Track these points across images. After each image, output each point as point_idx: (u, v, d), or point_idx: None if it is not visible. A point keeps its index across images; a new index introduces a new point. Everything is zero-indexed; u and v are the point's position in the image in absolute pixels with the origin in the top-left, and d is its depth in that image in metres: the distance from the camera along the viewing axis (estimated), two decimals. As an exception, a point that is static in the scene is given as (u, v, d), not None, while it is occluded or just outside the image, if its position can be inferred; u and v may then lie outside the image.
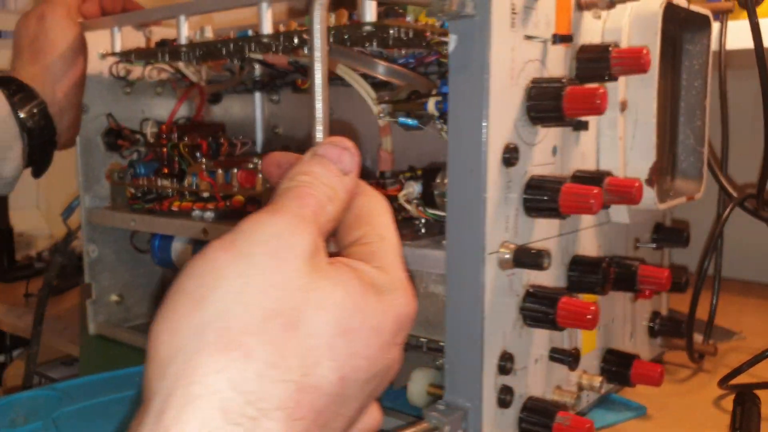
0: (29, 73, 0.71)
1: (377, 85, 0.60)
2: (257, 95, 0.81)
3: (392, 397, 0.58)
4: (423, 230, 0.57)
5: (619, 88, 0.56)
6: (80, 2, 0.75)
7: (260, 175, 0.62)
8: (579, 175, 0.54)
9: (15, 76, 0.71)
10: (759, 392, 0.64)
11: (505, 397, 0.49)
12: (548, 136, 0.51)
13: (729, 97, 0.73)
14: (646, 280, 0.58)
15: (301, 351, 0.29)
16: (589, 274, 0.54)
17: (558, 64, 0.51)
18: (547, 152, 0.51)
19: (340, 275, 0.32)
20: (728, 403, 0.64)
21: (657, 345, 0.72)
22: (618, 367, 0.60)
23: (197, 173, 0.67)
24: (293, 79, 0.73)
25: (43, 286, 0.79)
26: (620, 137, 0.57)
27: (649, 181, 0.57)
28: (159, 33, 0.79)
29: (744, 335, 0.82)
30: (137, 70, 0.80)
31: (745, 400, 0.63)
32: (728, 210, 0.69)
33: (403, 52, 0.59)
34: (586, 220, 0.57)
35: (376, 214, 0.37)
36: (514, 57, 0.47)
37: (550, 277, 0.53)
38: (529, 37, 0.48)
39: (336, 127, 0.72)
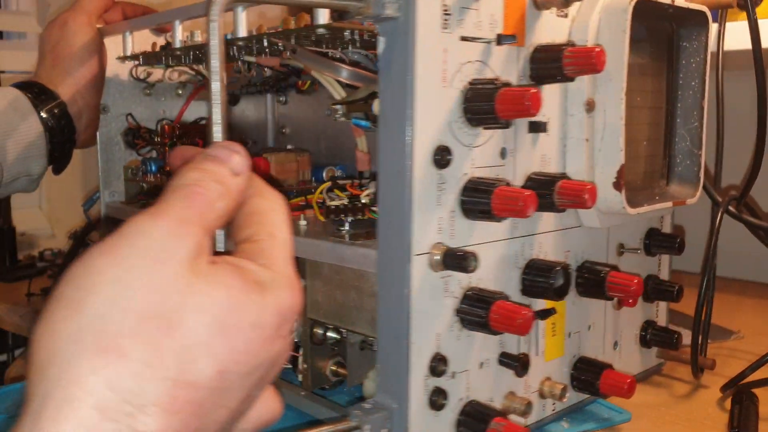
0: (50, 77, 0.77)
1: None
2: (268, 96, 0.84)
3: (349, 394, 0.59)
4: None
5: (585, 88, 0.55)
6: (102, 10, 0.79)
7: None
8: (534, 178, 0.53)
9: (37, 81, 0.76)
10: (757, 391, 0.63)
11: (437, 399, 0.48)
12: (494, 138, 0.50)
13: (726, 98, 0.69)
14: (615, 287, 0.56)
15: (178, 350, 0.30)
16: (541, 278, 0.53)
17: (509, 65, 0.50)
18: (493, 154, 0.51)
19: (219, 276, 0.33)
20: (727, 401, 0.64)
21: (652, 356, 0.69)
22: (587, 376, 0.59)
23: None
24: (296, 81, 0.75)
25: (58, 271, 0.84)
26: (586, 139, 0.55)
27: (617, 185, 0.55)
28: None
29: (742, 334, 0.82)
30: (158, 73, 0.84)
31: (743, 398, 0.62)
32: (719, 217, 0.66)
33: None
34: (548, 223, 0.55)
35: (269, 214, 0.38)
36: (447, 58, 0.46)
37: (502, 281, 0.52)
38: (466, 39, 0.47)
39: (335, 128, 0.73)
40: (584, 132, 0.55)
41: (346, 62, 0.58)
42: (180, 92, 0.87)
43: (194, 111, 0.87)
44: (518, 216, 0.46)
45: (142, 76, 0.83)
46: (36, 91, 0.75)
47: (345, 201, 0.57)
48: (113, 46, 0.80)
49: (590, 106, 0.55)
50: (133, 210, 0.78)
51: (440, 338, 0.49)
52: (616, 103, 0.54)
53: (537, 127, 0.53)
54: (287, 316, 0.35)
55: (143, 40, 0.79)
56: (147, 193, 0.77)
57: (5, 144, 0.74)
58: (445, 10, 0.46)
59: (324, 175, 0.69)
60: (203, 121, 0.85)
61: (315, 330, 0.60)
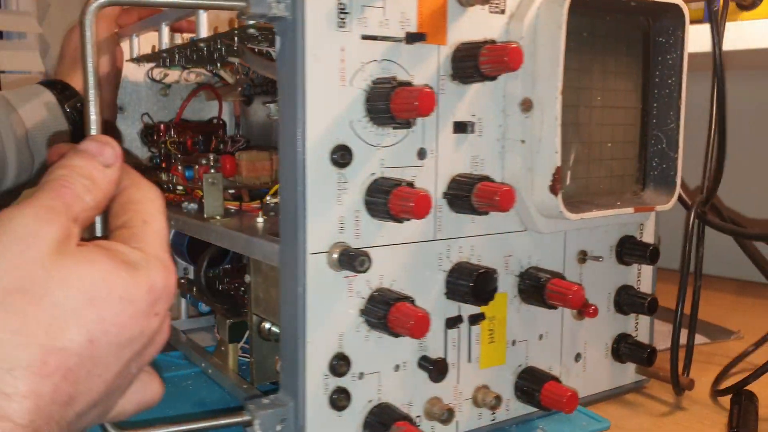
0: (69, 76, 0.83)
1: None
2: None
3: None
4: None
5: (519, 87, 0.52)
6: (118, 14, 0.84)
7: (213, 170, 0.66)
8: (457, 180, 0.51)
9: (58, 79, 0.83)
10: (758, 392, 0.62)
11: (338, 399, 0.48)
12: (409, 138, 0.49)
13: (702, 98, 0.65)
14: (554, 295, 0.54)
15: (47, 319, 0.33)
16: (462, 281, 0.51)
17: (426, 64, 0.49)
18: (409, 154, 0.50)
19: (86, 254, 0.36)
20: (726, 401, 0.63)
21: (630, 372, 0.65)
22: (529, 387, 0.56)
23: (179, 168, 0.73)
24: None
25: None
26: (522, 140, 0.53)
27: (553, 188, 0.52)
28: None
29: (742, 334, 0.82)
30: (175, 74, 0.88)
31: (742, 398, 0.61)
32: (691, 221, 0.61)
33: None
34: (482, 226, 0.54)
35: (143, 202, 0.41)
36: (346, 57, 0.46)
37: (420, 284, 0.51)
38: (368, 37, 0.47)
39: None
40: (520, 133, 0.53)
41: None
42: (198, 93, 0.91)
43: (210, 111, 0.91)
44: (414, 217, 0.45)
45: (158, 78, 0.87)
46: (59, 87, 0.81)
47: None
48: (127, 49, 0.85)
49: (526, 106, 0.53)
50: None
51: (343, 338, 0.48)
52: (551, 103, 0.52)
53: (462, 128, 0.52)
54: (160, 295, 0.37)
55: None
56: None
57: (36, 138, 0.80)
58: (342, 9, 0.45)
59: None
60: (216, 120, 0.89)
61: (263, 325, 0.61)
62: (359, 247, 0.48)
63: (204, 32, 0.62)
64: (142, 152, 0.88)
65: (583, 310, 0.59)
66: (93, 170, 0.39)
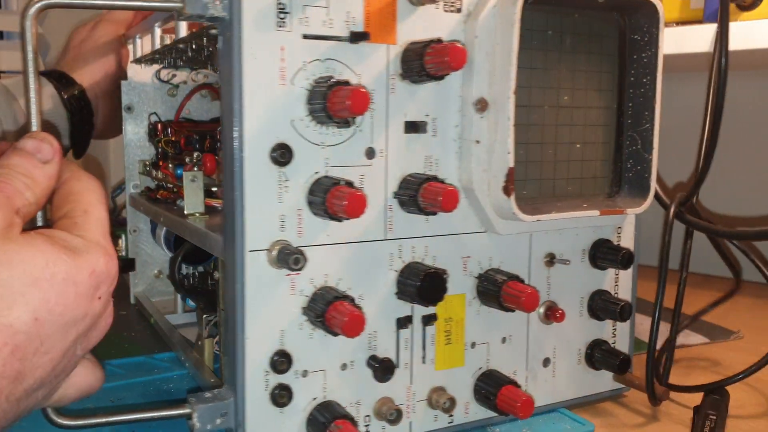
0: (70, 66, 0.86)
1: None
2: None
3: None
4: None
5: (474, 87, 0.52)
6: (128, 22, 0.87)
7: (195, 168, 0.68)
8: (407, 179, 0.51)
9: (57, 69, 0.86)
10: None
11: (279, 396, 0.49)
12: (357, 137, 0.49)
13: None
14: (508, 297, 0.53)
15: None
16: (409, 282, 0.51)
17: (374, 63, 0.49)
18: (357, 154, 0.50)
19: (30, 240, 0.38)
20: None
21: (608, 379, 0.63)
22: (487, 390, 0.55)
23: (173, 167, 0.75)
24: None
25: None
26: (476, 140, 0.52)
27: (506, 189, 0.51)
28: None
29: (742, 334, 0.82)
30: (183, 75, 0.91)
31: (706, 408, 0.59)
32: (670, 221, 0.59)
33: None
34: (439, 226, 0.53)
35: (83, 193, 0.43)
36: (286, 57, 0.46)
37: (368, 283, 0.51)
38: (309, 37, 0.47)
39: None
40: (472, 133, 0.52)
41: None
42: (204, 94, 0.93)
43: (218, 111, 0.92)
44: (348, 216, 0.45)
45: (165, 79, 0.90)
46: (57, 76, 0.84)
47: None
48: (132, 51, 0.87)
49: (481, 106, 0.52)
50: (143, 201, 0.84)
51: (284, 335, 0.49)
52: (504, 103, 0.51)
53: (415, 128, 0.51)
54: (102, 278, 0.40)
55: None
56: (156, 186, 0.83)
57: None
58: (281, 8, 0.46)
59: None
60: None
61: (232, 321, 0.62)
62: (301, 245, 0.48)
63: (183, 32, 0.64)
64: (150, 151, 0.91)
65: (549, 313, 0.58)
66: (31, 167, 0.41)
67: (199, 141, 0.78)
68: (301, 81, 0.47)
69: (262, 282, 0.48)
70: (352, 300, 0.48)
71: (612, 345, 0.62)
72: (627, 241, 0.62)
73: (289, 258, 0.46)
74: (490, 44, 0.52)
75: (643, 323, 0.83)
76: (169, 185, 0.75)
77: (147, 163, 0.87)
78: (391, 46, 0.50)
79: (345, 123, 0.47)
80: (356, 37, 0.48)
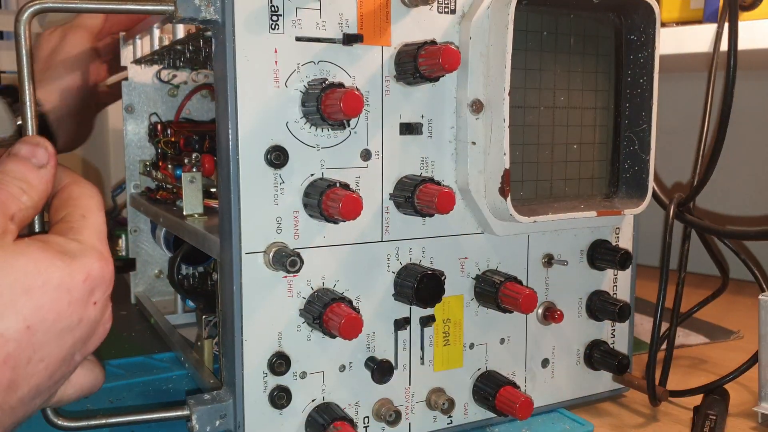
0: (37, 79, 0.82)
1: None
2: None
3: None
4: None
5: (469, 88, 0.52)
6: (98, 29, 0.86)
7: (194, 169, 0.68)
8: (402, 181, 0.51)
9: (15, 85, 0.84)
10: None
11: (278, 398, 0.49)
12: (352, 139, 0.49)
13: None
14: (506, 298, 0.53)
15: None
16: (406, 283, 0.51)
17: (368, 65, 0.49)
18: (353, 156, 0.50)
19: (22, 247, 0.38)
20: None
21: (607, 380, 0.63)
22: (486, 391, 0.55)
23: (174, 168, 0.75)
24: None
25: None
26: (472, 142, 0.52)
27: (502, 191, 0.51)
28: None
29: (742, 334, 0.82)
30: (183, 75, 0.91)
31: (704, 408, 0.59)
32: (670, 221, 0.59)
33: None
34: (435, 227, 0.53)
35: (82, 199, 0.43)
36: (279, 59, 0.47)
37: (366, 285, 0.51)
38: (302, 39, 0.47)
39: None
40: (469, 134, 0.52)
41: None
42: (205, 94, 0.93)
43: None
44: (343, 218, 0.46)
45: (166, 79, 0.90)
46: (16, 97, 0.77)
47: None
48: (130, 52, 0.87)
49: (477, 107, 0.52)
50: (142, 201, 0.85)
51: (282, 337, 0.49)
52: (499, 104, 0.51)
53: (410, 129, 0.51)
54: (97, 283, 0.39)
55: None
56: (156, 186, 0.83)
57: None
58: (274, 11, 0.46)
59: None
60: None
61: (231, 322, 0.62)
62: (298, 247, 0.48)
63: (180, 34, 0.64)
64: (150, 151, 0.91)
65: (548, 314, 0.58)
66: (27, 172, 0.41)
67: (199, 142, 0.78)
68: (295, 83, 0.47)
69: (258, 284, 0.48)
70: (349, 302, 0.48)
71: (611, 345, 0.62)
72: (625, 242, 0.62)
73: (286, 260, 0.46)
74: (484, 45, 0.51)
75: (642, 323, 0.83)
76: (169, 186, 0.76)
77: (147, 163, 0.87)
78: (386, 48, 0.50)
79: (340, 125, 0.47)
80: (349, 39, 0.48)
